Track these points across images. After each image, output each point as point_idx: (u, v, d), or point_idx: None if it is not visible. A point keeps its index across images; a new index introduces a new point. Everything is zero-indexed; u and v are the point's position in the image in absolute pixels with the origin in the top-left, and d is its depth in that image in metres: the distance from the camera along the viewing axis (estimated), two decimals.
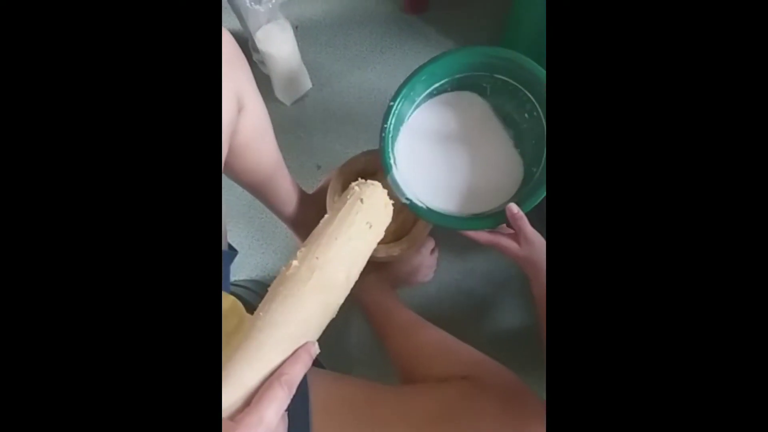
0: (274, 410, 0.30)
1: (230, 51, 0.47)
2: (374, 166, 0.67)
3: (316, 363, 0.50)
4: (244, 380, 0.32)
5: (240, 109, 0.49)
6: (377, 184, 0.52)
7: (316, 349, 0.35)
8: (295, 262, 0.39)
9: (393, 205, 0.65)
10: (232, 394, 0.31)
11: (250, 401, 0.30)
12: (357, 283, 0.67)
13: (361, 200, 0.48)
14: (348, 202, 0.47)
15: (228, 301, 0.49)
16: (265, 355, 0.33)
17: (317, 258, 0.39)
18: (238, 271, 0.79)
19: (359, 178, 0.53)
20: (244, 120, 0.51)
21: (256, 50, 0.81)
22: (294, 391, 0.32)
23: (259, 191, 0.65)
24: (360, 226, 0.45)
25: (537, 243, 0.48)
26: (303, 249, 0.41)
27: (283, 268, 0.40)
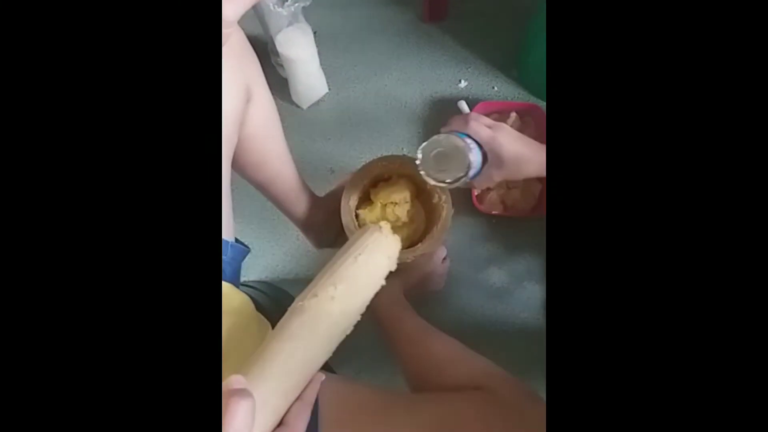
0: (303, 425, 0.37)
1: (240, 44, 0.49)
2: (389, 172, 0.67)
3: (326, 367, 0.50)
4: (279, 409, 0.37)
5: (248, 100, 0.51)
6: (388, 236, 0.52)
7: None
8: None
9: (408, 211, 0.65)
10: (269, 419, 0.37)
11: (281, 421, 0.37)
12: None
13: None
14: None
15: (238, 299, 0.49)
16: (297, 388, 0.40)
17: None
18: (249, 271, 0.79)
19: (379, 183, 0.54)
20: (253, 110, 0.52)
21: (276, 53, 0.82)
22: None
23: (268, 188, 0.65)
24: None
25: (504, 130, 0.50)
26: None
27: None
